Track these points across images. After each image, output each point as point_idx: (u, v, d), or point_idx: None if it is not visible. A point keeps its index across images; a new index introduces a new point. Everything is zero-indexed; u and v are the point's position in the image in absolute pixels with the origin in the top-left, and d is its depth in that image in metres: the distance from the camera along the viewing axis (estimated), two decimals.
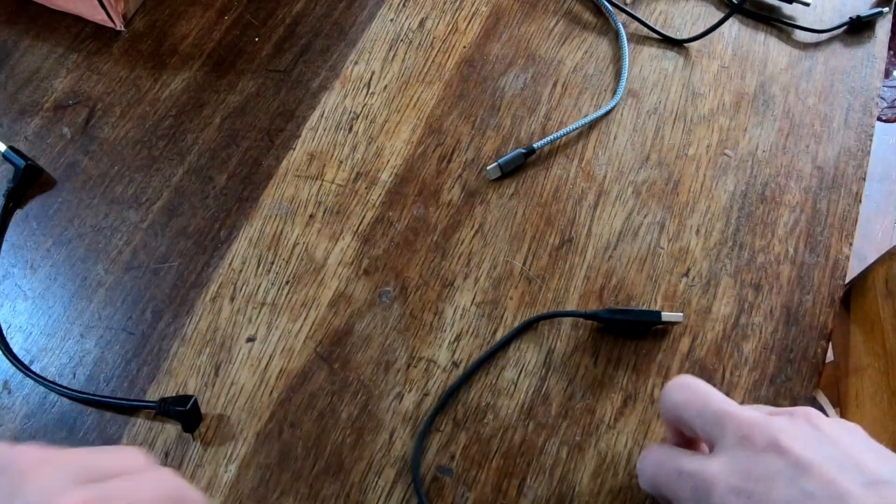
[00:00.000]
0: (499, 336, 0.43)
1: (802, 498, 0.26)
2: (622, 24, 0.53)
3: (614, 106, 0.50)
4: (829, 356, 0.47)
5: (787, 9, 0.55)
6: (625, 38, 0.52)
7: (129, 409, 0.40)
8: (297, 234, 0.45)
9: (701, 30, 0.53)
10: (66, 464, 0.26)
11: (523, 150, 0.47)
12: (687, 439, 0.35)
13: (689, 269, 0.45)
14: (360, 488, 0.39)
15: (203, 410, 0.40)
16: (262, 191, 0.47)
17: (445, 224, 0.46)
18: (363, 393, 0.41)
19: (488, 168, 0.47)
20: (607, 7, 0.54)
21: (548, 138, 0.48)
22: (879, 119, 1.55)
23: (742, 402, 0.41)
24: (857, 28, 0.54)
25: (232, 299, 0.43)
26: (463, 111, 0.50)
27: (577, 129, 0.48)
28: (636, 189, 0.47)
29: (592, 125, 0.49)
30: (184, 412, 0.38)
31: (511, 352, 0.42)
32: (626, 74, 0.51)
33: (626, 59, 0.51)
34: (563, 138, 0.49)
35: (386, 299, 0.43)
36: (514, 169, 0.47)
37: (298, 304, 0.43)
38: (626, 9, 0.53)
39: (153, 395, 0.41)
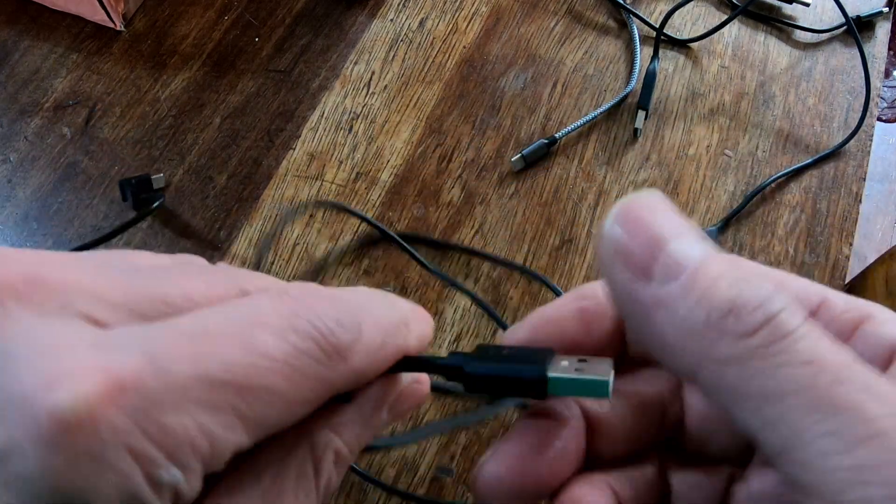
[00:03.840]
0: (499, 336, 0.43)
1: None
2: (626, 21, 0.53)
3: (630, 91, 0.50)
4: None
5: (787, 9, 0.55)
6: (635, 29, 0.53)
7: None
8: (297, 234, 0.45)
9: (701, 30, 0.53)
10: (85, 287, 0.13)
11: (546, 141, 0.47)
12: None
13: None
14: (361, 488, 0.39)
15: None
16: (262, 191, 0.47)
17: (445, 224, 0.46)
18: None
19: (512, 160, 0.47)
20: (619, 2, 0.54)
21: (569, 128, 0.48)
22: (879, 119, 1.55)
23: None
24: (857, 28, 0.54)
25: None
26: (463, 111, 0.50)
27: (596, 116, 0.49)
28: (636, 189, 0.47)
29: (592, 125, 0.49)
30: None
31: None
32: (639, 59, 0.51)
33: (638, 46, 0.52)
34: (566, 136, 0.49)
35: None
36: (537, 160, 0.48)
37: None
38: (629, 7, 0.53)
39: None
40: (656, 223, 0.14)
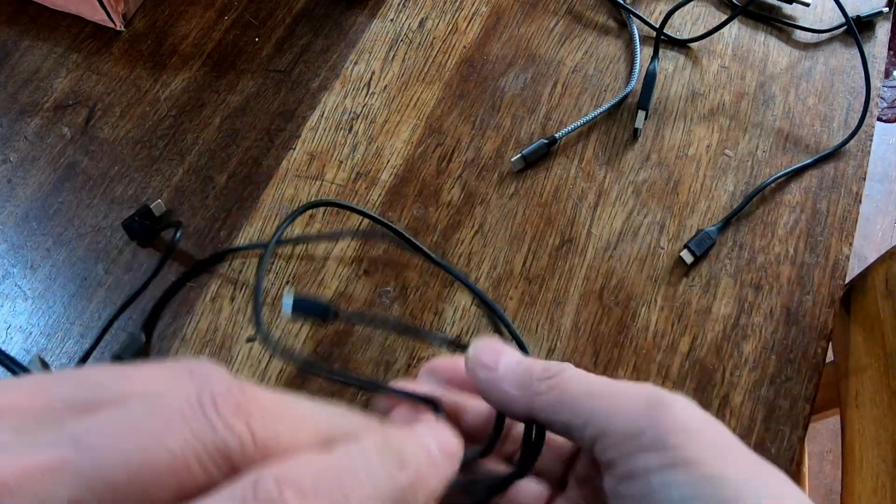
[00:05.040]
0: (499, 336, 0.43)
1: None
2: (626, 21, 0.53)
3: (630, 91, 0.50)
4: (829, 356, 0.47)
5: (787, 9, 0.55)
6: (635, 29, 0.53)
7: None
8: (297, 234, 0.45)
9: (701, 30, 0.53)
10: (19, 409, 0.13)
11: (546, 141, 0.47)
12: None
13: (689, 270, 0.45)
14: None
15: None
16: (262, 191, 0.47)
17: (445, 224, 0.46)
18: (363, 393, 0.41)
19: (512, 160, 0.47)
20: (619, 2, 0.54)
21: (569, 127, 0.48)
22: (879, 119, 1.55)
23: (742, 403, 0.41)
24: (857, 28, 0.54)
25: (232, 299, 0.43)
26: (463, 111, 0.50)
27: (596, 116, 0.49)
28: (636, 189, 0.47)
29: (592, 125, 0.49)
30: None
31: None
32: (639, 59, 0.51)
33: (638, 46, 0.52)
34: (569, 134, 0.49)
35: (386, 299, 0.43)
36: (537, 160, 0.48)
37: None
38: (629, 7, 0.53)
39: None
40: (493, 345, 0.25)
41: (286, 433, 0.14)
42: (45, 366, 0.41)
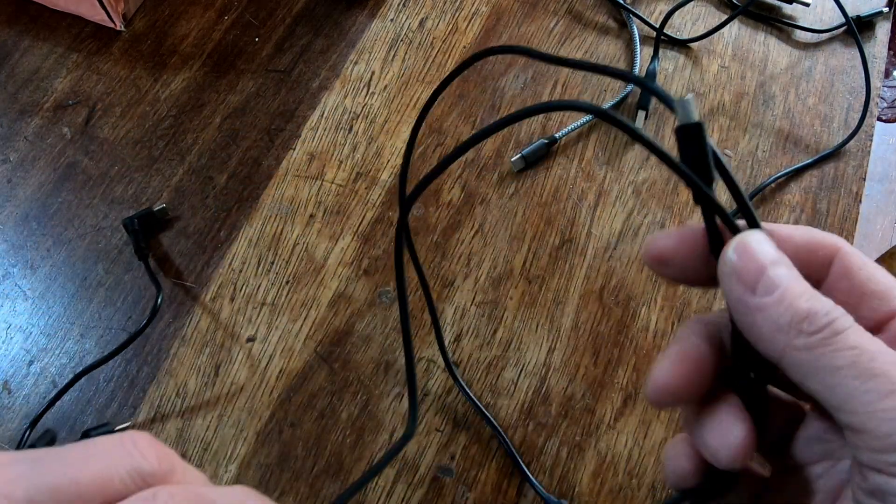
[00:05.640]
0: (499, 336, 0.43)
1: None
2: (626, 21, 0.53)
3: (630, 91, 0.50)
4: None
5: (787, 9, 0.55)
6: (635, 29, 0.53)
7: None
8: (297, 234, 0.45)
9: (701, 30, 0.53)
10: None
11: (545, 141, 0.47)
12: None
13: None
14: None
15: (203, 410, 0.40)
16: (262, 191, 0.47)
17: (445, 224, 0.46)
18: (363, 393, 0.41)
19: (512, 160, 0.47)
20: (619, 2, 0.54)
21: (569, 127, 0.48)
22: (879, 119, 1.55)
23: None
24: (857, 28, 0.54)
25: (232, 299, 0.43)
26: (463, 111, 0.50)
27: (593, 119, 0.49)
28: (636, 189, 0.47)
29: (592, 125, 0.49)
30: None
31: (511, 352, 0.42)
32: (639, 59, 0.51)
33: (638, 46, 0.52)
34: (574, 132, 0.49)
35: (386, 299, 0.43)
36: (537, 160, 0.48)
37: (298, 304, 0.43)
38: (629, 7, 0.53)
39: (154, 394, 0.41)
40: (760, 253, 0.20)
41: (180, 469, 0.19)
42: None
